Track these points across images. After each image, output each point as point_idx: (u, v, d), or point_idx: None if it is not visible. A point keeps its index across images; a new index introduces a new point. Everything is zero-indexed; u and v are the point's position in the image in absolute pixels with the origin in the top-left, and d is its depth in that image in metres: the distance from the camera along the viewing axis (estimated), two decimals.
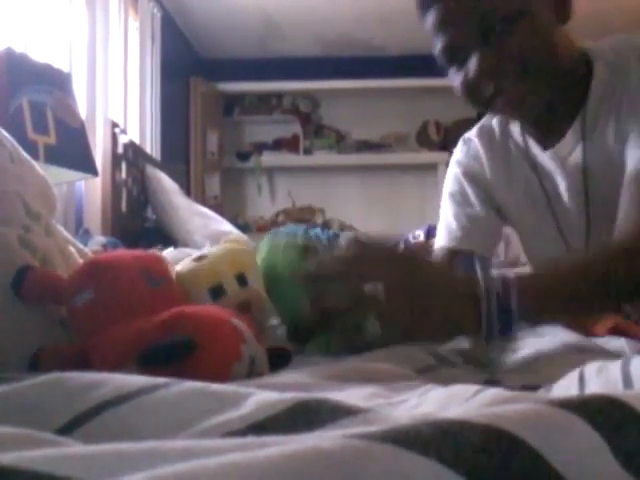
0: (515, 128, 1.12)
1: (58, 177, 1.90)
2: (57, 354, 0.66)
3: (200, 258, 0.76)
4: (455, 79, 0.98)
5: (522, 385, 0.61)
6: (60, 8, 2.58)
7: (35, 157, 1.54)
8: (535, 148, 1.09)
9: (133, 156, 2.95)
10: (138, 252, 0.75)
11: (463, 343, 0.82)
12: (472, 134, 1.20)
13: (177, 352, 0.58)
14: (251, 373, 0.62)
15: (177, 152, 4.18)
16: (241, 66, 4.82)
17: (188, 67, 4.51)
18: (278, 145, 5.01)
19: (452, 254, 1.16)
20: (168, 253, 2.06)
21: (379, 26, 4.20)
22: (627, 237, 0.87)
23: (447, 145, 4.48)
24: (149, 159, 3.27)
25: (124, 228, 2.75)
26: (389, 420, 0.35)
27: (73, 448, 0.28)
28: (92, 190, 2.64)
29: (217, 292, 0.73)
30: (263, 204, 5.02)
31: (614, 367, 0.53)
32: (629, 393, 0.30)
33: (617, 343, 0.85)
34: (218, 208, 4.03)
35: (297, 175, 4.98)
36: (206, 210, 3.22)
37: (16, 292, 0.68)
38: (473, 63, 0.93)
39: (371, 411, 0.36)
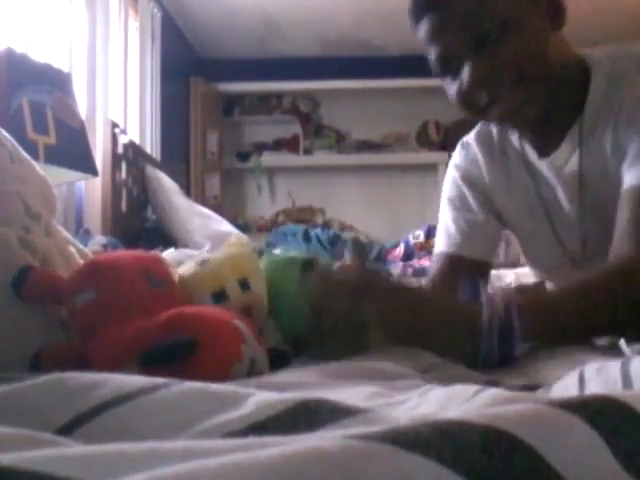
0: (513, 134, 1.12)
1: (58, 177, 1.90)
2: (57, 354, 0.66)
3: (203, 262, 0.76)
4: (450, 88, 0.98)
5: (522, 385, 0.61)
6: (60, 8, 2.58)
7: (35, 157, 1.54)
8: (532, 155, 1.09)
9: (133, 156, 2.95)
10: (138, 253, 0.75)
11: None
12: (470, 138, 1.19)
13: (179, 352, 0.58)
14: (251, 373, 0.63)
15: (177, 152, 4.18)
16: (241, 66, 4.82)
17: (188, 67, 4.51)
18: (278, 145, 5.01)
19: (452, 261, 1.16)
20: (168, 254, 2.06)
21: (379, 26, 4.20)
22: (626, 259, 0.86)
23: (447, 145, 4.48)
24: (149, 159, 3.27)
25: (124, 228, 2.75)
26: (389, 420, 0.35)
27: (73, 448, 0.28)
28: (92, 190, 2.64)
29: (219, 297, 0.73)
30: (263, 204, 5.02)
31: (613, 367, 0.53)
32: (629, 393, 0.30)
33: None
34: (218, 208, 4.03)
35: (297, 175, 4.98)
36: (206, 210, 3.23)
37: (16, 292, 0.68)
38: (466, 72, 0.93)
39: (371, 411, 0.36)
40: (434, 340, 0.74)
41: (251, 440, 0.27)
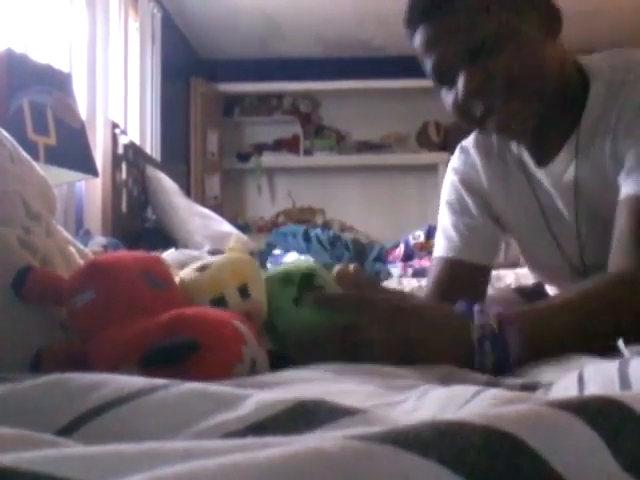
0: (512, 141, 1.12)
1: (58, 177, 1.90)
2: (58, 355, 0.66)
3: (202, 268, 0.76)
4: (447, 98, 0.98)
5: (522, 385, 0.61)
6: (60, 8, 2.59)
7: (35, 157, 1.54)
8: (530, 162, 1.09)
9: (133, 157, 2.95)
10: (139, 253, 0.75)
11: None
12: (469, 143, 1.19)
13: (179, 353, 0.58)
14: (252, 374, 0.62)
15: (177, 153, 4.18)
16: (241, 67, 4.82)
17: (188, 67, 4.51)
18: (278, 146, 5.02)
19: (452, 266, 1.16)
20: (169, 254, 2.06)
21: (379, 27, 4.20)
22: (625, 269, 0.86)
23: (447, 145, 4.49)
24: (149, 160, 3.27)
25: (124, 229, 2.76)
26: (387, 421, 0.35)
27: (73, 449, 0.28)
28: (92, 191, 2.64)
29: (218, 304, 0.73)
30: (263, 205, 5.02)
31: (611, 367, 0.53)
32: (628, 394, 0.30)
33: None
34: (218, 209, 4.04)
35: (297, 176, 4.98)
36: (206, 211, 3.23)
37: (16, 292, 0.68)
38: (461, 83, 0.93)
39: (369, 412, 0.36)
40: (429, 355, 0.74)
41: (250, 440, 0.27)
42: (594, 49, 1.08)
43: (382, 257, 3.53)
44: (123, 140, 2.82)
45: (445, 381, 0.64)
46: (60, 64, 2.26)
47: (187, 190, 4.01)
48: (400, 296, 0.91)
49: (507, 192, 1.14)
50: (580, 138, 0.99)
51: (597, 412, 0.28)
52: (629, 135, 0.94)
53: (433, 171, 4.59)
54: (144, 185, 3.06)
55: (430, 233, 3.37)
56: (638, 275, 0.84)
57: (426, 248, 3.36)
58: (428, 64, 0.96)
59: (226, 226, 3.18)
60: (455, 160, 1.21)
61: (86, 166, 2.06)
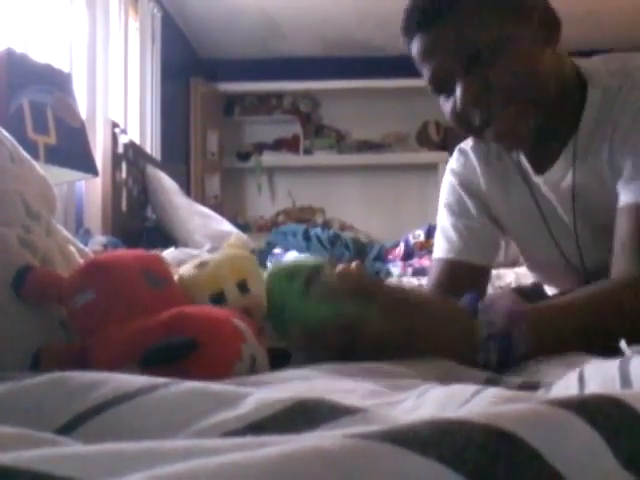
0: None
1: (58, 177, 1.90)
2: (57, 354, 0.66)
3: (201, 265, 0.76)
4: (445, 106, 0.97)
5: (521, 384, 0.61)
6: (60, 8, 2.58)
7: (35, 157, 1.54)
8: (529, 168, 1.09)
9: (133, 156, 2.95)
10: (139, 252, 0.75)
11: None
12: (468, 145, 1.19)
13: (179, 352, 0.58)
14: (252, 372, 0.62)
15: (177, 152, 4.18)
16: (241, 66, 4.82)
17: (188, 67, 4.51)
18: (278, 145, 5.02)
19: (452, 267, 1.16)
20: (169, 253, 2.06)
21: (379, 26, 4.19)
22: (628, 276, 0.87)
23: (447, 145, 4.49)
24: (149, 159, 3.27)
25: (124, 228, 2.76)
26: (387, 420, 0.35)
27: (72, 448, 0.28)
28: (92, 190, 2.64)
29: (218, 300, 0.73)
30: (263, 204, 5.02)
31: (612, 366, 0.53)
32: (629, 393, 0.30)
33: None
34: (218, 208, 4.04)
35: (297, 175, 4.98)
36: (206, 210, 3.23)
37: (16, 292, 0.68)
38: (458, 93, 0.92)
39: (369, 411, 0.36)
40: (431, 349, 0.74)
41: (250, 439, 0.27)
42: (593, 50, 1.07)
43: (382, 256, 3.53)
44: (123, 139, 2.82)
45: (444, 379, 0.64)
46: (60, 64, 2.26)
47: (187, 189, 4.01)
48: (404, 289, 0.91)
49: (506, 195, 1.14)
50: (578, 145, 0.99)
51: (597, 411, 0.28)
52: (626, 143, 0.93)
53: (433, 170, 4.59)
54: (144, 184, 3.06)
55: (430, 232, 3.37)
56: None
57: (426, 247, 3.36)
58: (426, 73, 0.96)
59: (226, 225, 3.18)
60: (454, 162, 1.21)
61: (86, 165, 2.06)
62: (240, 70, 4.80)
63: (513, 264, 2.61)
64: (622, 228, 0.92)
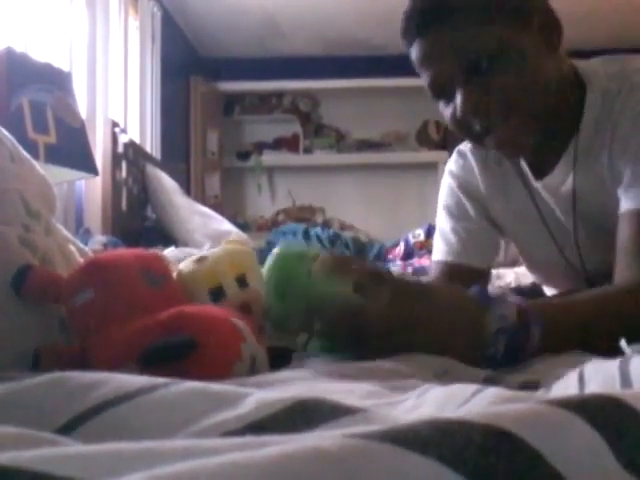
0: None
1: (58, 176, 1.90)
2: (57, 353, 0.66)
3: (200, 260, 0.76)
4: (445, 111, 0.96)
5: (521, 384, 0.61)
6: (60, 8, 2.58)
7: (35, 156, 1.54)
8: (528, 172, 1.09)
9: (133, 155, 2.95)
10: (138, 251, 0.75)
11: None
12: (467, 147, 1.18)
13: (178, 351, 0.58)
14: (252, 372, 0.62)
15: (177, 151, 4.18)
16: (241, 65, 4.82)
17: (188, 66, 4.51)
18: (278, 144, 5.01)
19: (451, 270, 1.16)
20: (169, 252, 2.06)
21: (379, 25, 4.19)
22: (632, 281, 0.87)
23: (447, 144, 4.48)
24: (149, 158, 3.27)
25: (124, 227, 2.76)
26: (387, 420, 0.35)
27: (72, 448, 0.28)
28: (92, 189, 2.64)
29: (217, 294, 0.73)
30: (263, 203, 5.02)
31: (612, 365, 0.53)
32: (629, 392, 0.30)
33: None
34: (218, 207, 4.03)
35: (297, 174, 4.98)
36: (206, 209, 3.23)
37: (16, 291, 0.68)
38: (458, 101, 0.91)
39: (369, 411, 0.36)
40: (439, 336, 0.73)
41: (250, 439, 0.27)
42: (593, 50, 1.07)
43: (382, 256, 3.53)
44: (123, 139, 2.82)
45: (443, 377, 0.64)
46: (60, 63, 2.26)
47: (187, 189, 4.01)
48: (411, 277, 0.91)
49: (505, 197, 1.14)
50: (578, 149, 0.98)
51: (597, 410, 0.28)
52: (626, 148, 0.93)
53: (433, 170, 4.58)
54: (144, 184, 3.06)
55: (430, 232, 3.37)
56: None
57: (426, 247, 3.36)
58: (425, 78, 0.95)
59: (226, 225, 3.18)
60: (452, 164, 1.21)
61: (86, 165, 2.06)
62: (240, 69, 4.80)
63: (513, 264, 2.61)
64: (623, 234, 0.92)
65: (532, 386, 0.59)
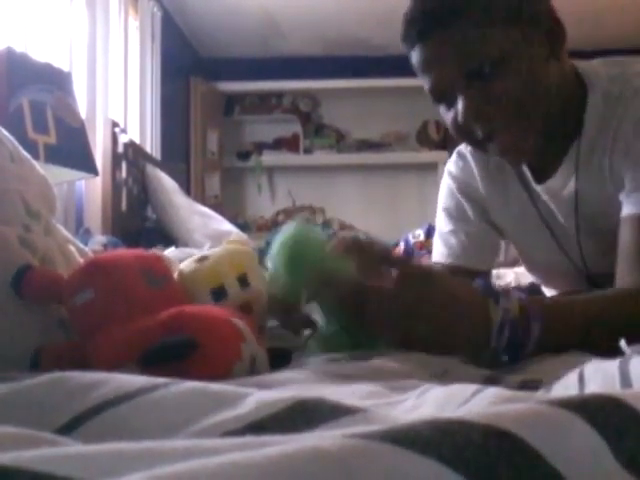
0: None
1: (58, 176, 1.90)
2: (57, 353, 0.66)
3: (202, 259, 0.76)
4: (446, 116, 0.95)
5: (521, 384, 0.61)
6: (60, 8, 2.58)
7: (35, 156, 1.54)
8: (529, 175, 1.09)
9: (133, 155, 2.95)
10: (139, 252, 0.75)
11: None
12: (467, 150, 1.17)
13: (178, 351, 0.58)
14: (252, 373, 0.63)
15: (177, 151, 4.18)
16: (241, 65, 4.82)
17: (188, 67, 4.51)
18: (278, 144, 5.01)
19: (451, 272, 1.16)
20: (169, 252, 2.06)
21: (379, 25, 4.19)
22: (633, 286, 0.88)
23: (447, 144, 4.48)
24: (149, 158, 3.27)
25: (124, 227, 2.75)
26: (387, 420, 0.35)
27: (72, 448, 0.28)
28: (92, 189, 2.64)
29: (219, 294, 0.73)
30: (263, 203, 5.02)
31: (612, 365, 0.53)
32: (629, 392, 0.30)
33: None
34: (218, 207, 4.03)
35: (297, 174, 4.98)
36: (206, 209, 3.22)
37: (16, 291, 0.68)
38: (460, 106, 0.90)
39: (369, 411, 0.36)
40: (445, 322, 0.73)
41: (250, 439, 0.27)
42: (595, 50, 1.07)
43: None
44: (123, 139, 2.81)
45: (442, 377, 0.64)
46: (60, 63, 2.26)
47: (187, 189, 4.00)
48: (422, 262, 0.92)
49: (505, 199, 1.13)
50: (580, 153, 0.98)
51: (597, 410, 0.28)
52: (627, 153, 0.93)
53: (433, 170, 4.58)
54: (144, 184, 3.06)
55: (430, 232, 3.37)
56: None
57: (426, 247, 3.36)
58: (426, 83, 0.94)
59: (226, 225, 3.18)
60: (452, 165, 1.20)
61: (86, 165, 2.06)
62: (240, 69, 4.79)
63: (513, 264, 2.61)
64: (625, 239, 0.92)
65: (532, 386, 0.59)
